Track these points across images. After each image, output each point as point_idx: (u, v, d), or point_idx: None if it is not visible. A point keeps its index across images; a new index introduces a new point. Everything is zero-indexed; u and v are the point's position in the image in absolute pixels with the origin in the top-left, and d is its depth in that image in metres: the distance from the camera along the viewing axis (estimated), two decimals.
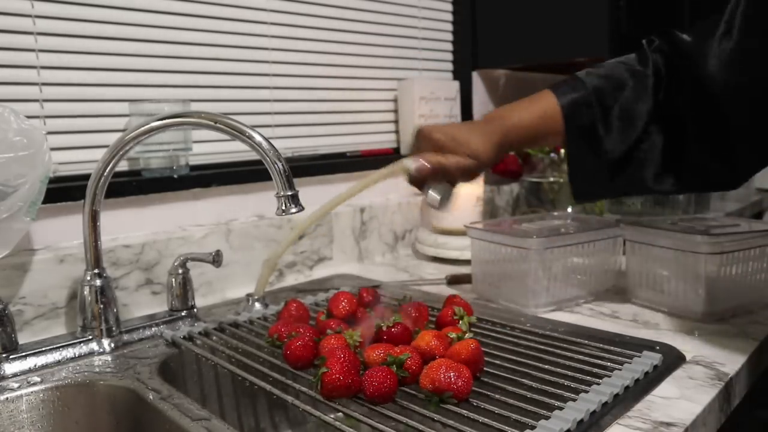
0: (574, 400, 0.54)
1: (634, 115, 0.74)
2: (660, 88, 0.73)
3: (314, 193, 1.13)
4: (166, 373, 0.69)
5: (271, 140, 0.63)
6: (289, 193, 0.63)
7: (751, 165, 0.71)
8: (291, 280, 1.05)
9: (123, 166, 0.90)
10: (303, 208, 0.64)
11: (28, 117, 0.71)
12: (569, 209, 1.27)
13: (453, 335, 0.62)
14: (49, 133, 0.82)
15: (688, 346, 0.70)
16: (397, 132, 1.34)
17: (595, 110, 0.74)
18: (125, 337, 0.76)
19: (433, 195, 0.75)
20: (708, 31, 0.69)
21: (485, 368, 0.61)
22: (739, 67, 0.66)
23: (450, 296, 0.77)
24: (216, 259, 0.81)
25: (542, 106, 0.76)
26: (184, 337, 0.75)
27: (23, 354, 0.69)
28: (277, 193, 0.63)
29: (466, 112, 1.45)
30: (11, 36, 0.79)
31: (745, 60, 0.66)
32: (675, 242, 0.82)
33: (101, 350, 0.73)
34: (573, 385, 0.57)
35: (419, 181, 0.76)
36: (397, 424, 0.52)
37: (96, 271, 0.74)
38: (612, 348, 0.66)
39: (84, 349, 0.73)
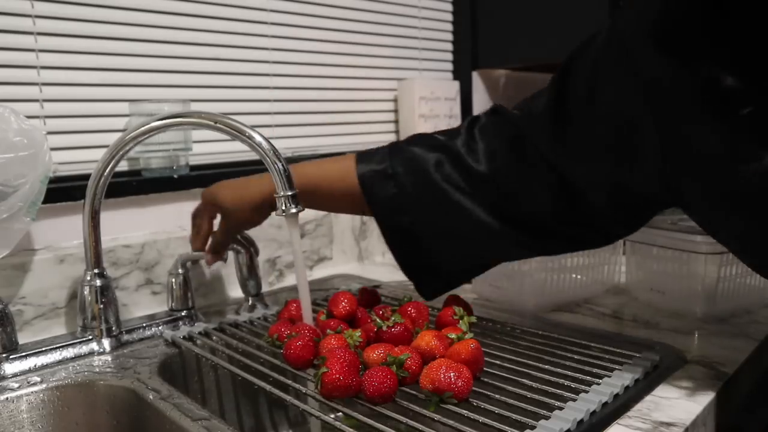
0: (574, 400, 0.54)
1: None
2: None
3: None
4: (166, 373, 0.69)
5: (271, 140, 0.63)
6: (289, 193, 0.63)
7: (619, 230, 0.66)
8: (291, 280, 1.05)
9: (123, 166, 0.90)
10: (303, 209, 0.64)
11: (28, 117, 0.71)
12: None
13: (453, 335, 0.62)
14: (49, 133, 0.82)
15: (688, 346, 0.70)
16: (397, 132, 1.34)
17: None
18: (125, 337, 0.76)
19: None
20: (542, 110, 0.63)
21: (485, 368, 0.61)
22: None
23: (450, 296, 0.77)
24: None
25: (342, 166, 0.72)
26: (184, 337, 0.75)
27: (23, 354, 0.69)
28: (277, 193, 0.63)
29: (466, 112, 1.45)
30: (11, 36, 0.79)
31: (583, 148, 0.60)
32: (675, 242, 0.82)
33: (101, 350, 0.73)
34: (573, 385, 0.57)
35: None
36: (397, 424, 0.52)
37: (96, 271, 0.74)
38: (612, 348, 0.66)
39: (84, 349, 0.73)
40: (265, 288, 0.93)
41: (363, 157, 0.73)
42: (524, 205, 0.64)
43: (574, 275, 0.88)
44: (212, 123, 0.65)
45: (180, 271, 0.82)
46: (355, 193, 0.71)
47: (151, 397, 0.61)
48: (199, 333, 0.76)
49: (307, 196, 0.71)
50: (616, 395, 0.56)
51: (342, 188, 0.72)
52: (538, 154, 0.63)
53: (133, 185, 0.88)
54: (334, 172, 0.73)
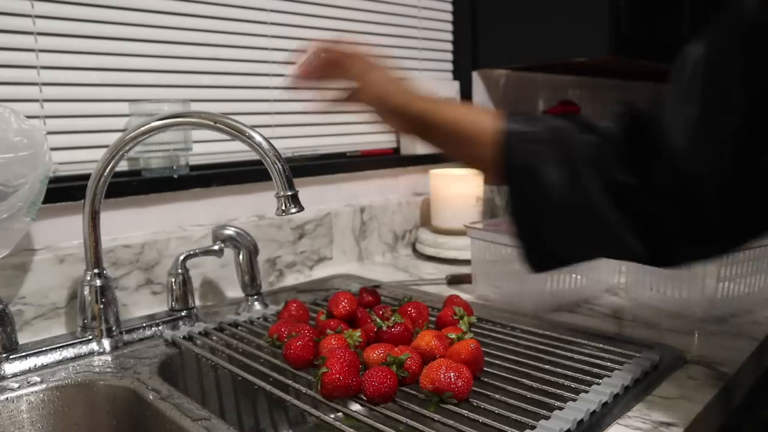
0: (574, 400, 0.54)
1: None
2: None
3: (314, 193, 1.13)
4: (166, 373, 0.69)
5: (271, 140, 0.63)
6: (289, 193, 0.63)
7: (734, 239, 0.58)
8: (291, 280, 1.05)
9: (123, 166, 0.90)
10: (303, 208, 0.64)
11: (28, 117, 0.71)
12: None
13: (453, 335, 0.62)
14: (49, 133, 0.82)
15: (688, 346, 0.70)
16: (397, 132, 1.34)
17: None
18: (125, 337, 0.76)
19: None
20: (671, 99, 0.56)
21: (485, 368, 0.61)
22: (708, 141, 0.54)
23: (450, 296, 0.77)
24: (219, 254, 0.83)
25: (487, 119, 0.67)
26: (184, 337, 0.75)
27: (23, 354, 0.69)
28: (277, 193, 0.63)
29: None
30: (11, 36, 0.79)
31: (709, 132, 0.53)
32: None
33: (101, 350, 0.73)
34: (573, 385, 0.57)
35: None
36: (397, 424, 0.52)
37: (96, 271, 0.74)
38: (612, 348, 0.66)
39: (84, 349, 0.73)
40: (265, 288, 0.93)
41: (511, 116, 0.66)
42: (653, 224, 0.58)
43: (573, 275, 0.88)
44: (212, 123, 0.65)
45: (180, 271, 0.82)
46: (486, 144, 0.64)
47: (151, 397, 0.61)
48: (199, 333, 0.76)
49: (430, 129, 0.69)
50: (616, 395, 0.56)
51: (471, 134, 0.66)
52: (668, 167, 0.56)
53: (133, 185, 0.88)
54: (470, 115, 0.68)
